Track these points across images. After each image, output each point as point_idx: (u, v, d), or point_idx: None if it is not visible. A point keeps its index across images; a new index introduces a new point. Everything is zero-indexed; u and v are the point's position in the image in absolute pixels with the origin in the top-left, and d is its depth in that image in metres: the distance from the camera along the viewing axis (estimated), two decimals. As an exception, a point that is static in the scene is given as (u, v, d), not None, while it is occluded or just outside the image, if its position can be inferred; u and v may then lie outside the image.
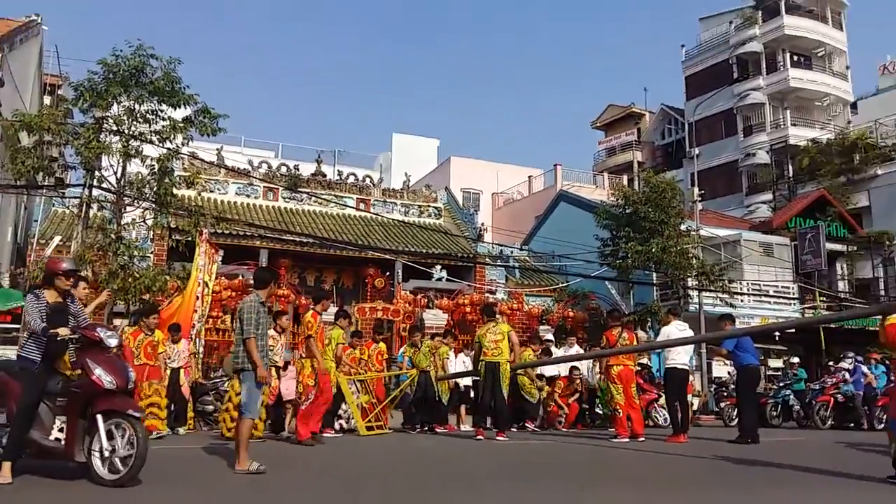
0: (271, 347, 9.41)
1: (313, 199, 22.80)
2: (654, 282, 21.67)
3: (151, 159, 13.02)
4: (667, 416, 12.17)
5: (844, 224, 27.06)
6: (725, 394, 16.03)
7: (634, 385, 10.83)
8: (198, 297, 12.38)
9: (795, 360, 17.02)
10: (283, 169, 24.25)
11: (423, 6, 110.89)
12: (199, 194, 14.51)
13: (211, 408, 11.84)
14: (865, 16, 69.82)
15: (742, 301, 22.46)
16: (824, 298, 24.20)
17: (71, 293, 5.78)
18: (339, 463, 7.38)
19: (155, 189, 13.09)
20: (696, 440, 10.52)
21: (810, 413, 14.95)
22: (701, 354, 19.21)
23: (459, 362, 13.15)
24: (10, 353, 11.03)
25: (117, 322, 12.06)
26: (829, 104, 35.32)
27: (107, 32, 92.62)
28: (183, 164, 17.82)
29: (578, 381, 13.86)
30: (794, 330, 20.29)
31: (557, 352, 14.75)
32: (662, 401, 13.62)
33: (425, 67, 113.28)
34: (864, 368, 15.16)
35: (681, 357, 10.71)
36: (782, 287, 24.29)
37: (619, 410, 10.39)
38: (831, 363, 16.59)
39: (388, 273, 21.53)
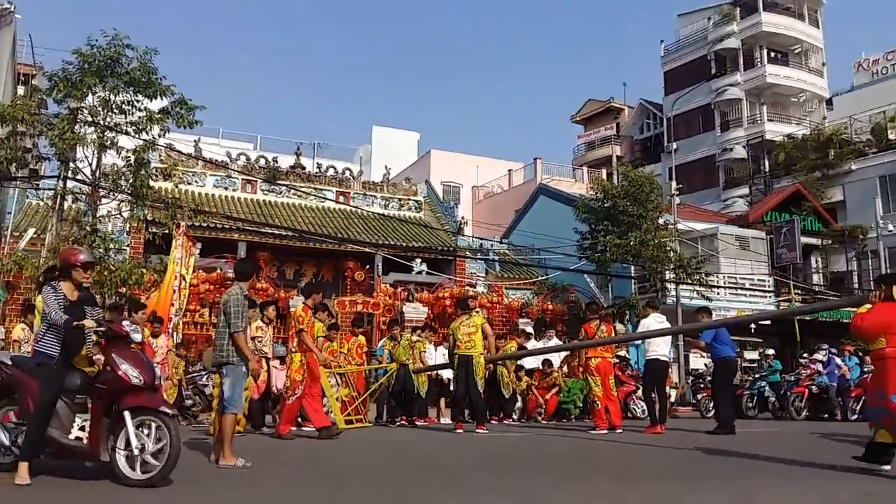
0: (260, 339, 9.35)
1: (292, 191, 22.66)
2: (633, 275, 21.85)
3: (127, 151, 12.82)
4: (644, 407, 12.28)
5: (819, 218, 27.50)
6: (702, 385, 16.23)
7: (612, 377, 10.92)
8: (175, 291, 12.23)
9: (771, 352, 17.30)
10: (262, 161, 24.10)
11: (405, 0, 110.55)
12: (176, 186, 14.31)
13: (189, 402, 11.74)
14: (842, 13, 70.80)
15: (718, 294, 22.75)
16: (799, 291, 24.55)
17: (86, 286, 5.57)
18: (321, 457, 7.35)
19: (131, 181, 12.88)
20: (673, 431, 10.63)
21: (785, 404, 15.15)
22: (678, 347, 19.40)
23: (439, 355, 13.16)
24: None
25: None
26: (805, 100, 35.73)
27: (82, 22, 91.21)
28: (160, 155, 17.61)
29: (556, 373, 13.94)
30: (769, 322, 20.61)
31: (537, 344, 14.83)
32: (640, 392, 13.75)
33: (405, 60, 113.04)
34: (838, 360, 15.37)
35: (661, 349, 10.82)
36: (758, 280, 24.61)
37: (598, 402, 10.47)
38: (806, 355, 16.82)
39: (367, 266, 21.49)
